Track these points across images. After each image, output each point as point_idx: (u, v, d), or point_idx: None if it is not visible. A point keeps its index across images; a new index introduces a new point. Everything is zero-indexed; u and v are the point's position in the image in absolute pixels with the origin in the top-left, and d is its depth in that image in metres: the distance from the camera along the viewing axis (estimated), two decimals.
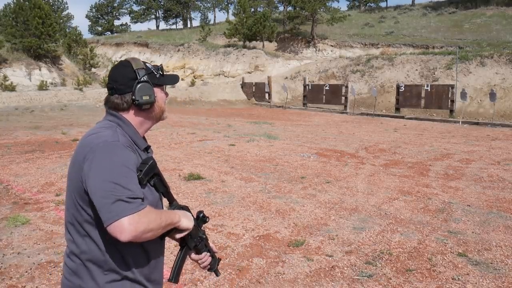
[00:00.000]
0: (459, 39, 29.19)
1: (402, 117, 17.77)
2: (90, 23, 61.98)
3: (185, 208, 1.49)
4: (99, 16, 61.85)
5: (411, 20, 37.24)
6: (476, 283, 3.24)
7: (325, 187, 6.09)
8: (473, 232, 4.33)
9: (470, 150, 9.41)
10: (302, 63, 30.05)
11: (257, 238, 4.15)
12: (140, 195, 1.27)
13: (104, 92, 21.85)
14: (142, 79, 1.41)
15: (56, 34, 25.94)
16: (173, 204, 1.47)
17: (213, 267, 1.64)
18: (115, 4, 61.32)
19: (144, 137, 1.49)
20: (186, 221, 1.42)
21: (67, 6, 57.26)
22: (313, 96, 22.59)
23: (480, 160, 8.23)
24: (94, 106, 19.97)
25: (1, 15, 31.79)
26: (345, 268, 3.48)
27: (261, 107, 23.89)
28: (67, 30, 39.65)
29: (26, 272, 3.37)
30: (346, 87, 20.88)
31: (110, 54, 39.79)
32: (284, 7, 41.41)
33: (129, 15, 60.78)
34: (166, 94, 1.53)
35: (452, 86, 17.84)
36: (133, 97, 1.40)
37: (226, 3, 56.66)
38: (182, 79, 31.40)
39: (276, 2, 44.15)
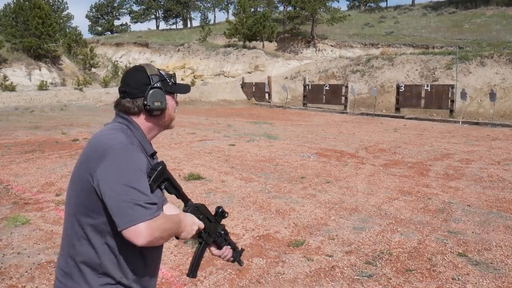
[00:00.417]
0: (459, 39, 29.20)
1: (402, 117, 17.77)
2: (90, 23, 62.07)
3: (201, 207, 1.50)
4: (99, 16, 61.86)
5: (411, 20, 37.25)
6: (476, 283, 3.24)
7: (325, 187, 6.09)
8: (473, 232, 4.33)
9: (470, 150, 9.41)
10: (302, 63, 30.05)
11: (257, 238, 4.15)
12: (156, 200, 1.28)
13: (103, 92, 21.88)
14: (155, 85, 1.42)
15: (56, 34, 25.97)
16: (188, 205, 1.48)
17: (235, 258, 1.68)
18: (115, 4, 61.34)
19: (150, 143, 1.49)
20: (188, 231, 1.42)
21: (67, 6, 57.34)
22: (313, 96, 22.59)
23: (480, 160, 8.23)
24: (94, 106, 19.97)
25: (1, 15, 31.81)
26: (345, 268, 3.48)
27: (261, 107, 23.89)
28: (67, 30, 39.67)
29: (26, 272, 3.37)
30: (346, 87, 20.88)
31: (110, 54, 39.80)
32: (284, 7, 41.43)
33: (129, 15, 60.87)
34: (177, 102, 1.54)
35: (452, 86, 17.84)
36: (145, 102, 1.40)
37: (226, 3, 56.71)
38: (182, 79, 31.41)
39: (276, 2, 44.17)
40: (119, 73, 27.54)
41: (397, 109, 19.33)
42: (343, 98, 20.92)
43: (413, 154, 8.84)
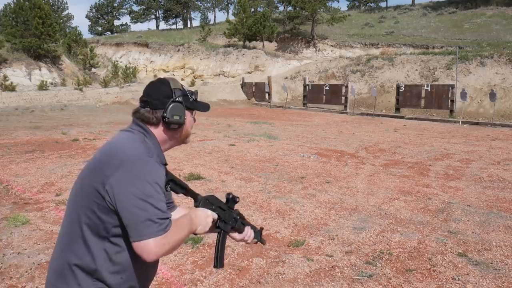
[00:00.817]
0: (459, 39, 29.19)
1: (402, 117, 17.76)
2: (90, 23, 62.05)
3: (211, 198, 1.53)
4: (99, 16, 61.85)
5: (411, 20, 37.26)
6: (476, 283, 3.24)
7: (325, 187, 6.09)
8: (473, 232, 4.33)
9: (470, 150, 9.41)
10: (302, 63, 30.05)
11: None
12: (168, 214, 1.31)
13: (103, 92, 21.88)
14: (177, 99, 1.44)
15: (56, 34, 25.99)
16: (198, 199, 1.50)
17: (257, 238, 1.70)
18: (115, 4, 61.32)
19: (163, 155, 1.50)
20: (203, 226, 1.45)
21: (67, 6, 57.34)
22: (313, 96, 22.59)
23: (480, 160, 8.23)
24: (94, 106, 19.97)
25: (1, 15, 31.83)
26: (345, 268, 3.48)
27: (261, 107, 23.89)
28: (67, 30, 39.69)
29: (26, 272, 3.37)
30: (346, 87, 20.88)
31: (110, 54, 39.79)
32: (284, 7, 41.41)
33: (129, 15, 60.86)
34: (194, 119, 1.55)
35: (452, 86, 17.84)
36: (164, 114, 1.42)
37: (226, 3, 56.75)
38: (182, 79, 31.40)
39: (276, 2, 44.14)
40: (119, 73, 27.52)
41: (397, 109, 19.33)
42: (343, 98, 20.92)
43: (413, 154, 8.84)
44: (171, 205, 1.60)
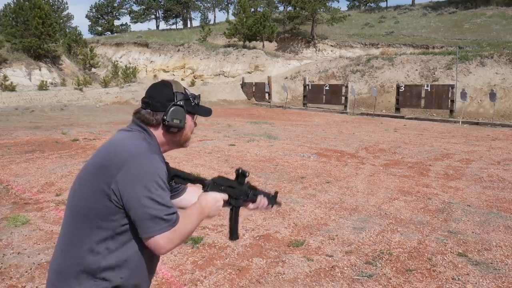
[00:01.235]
0: (459, 39, 29.19)
1: (402, 117, 17.76)
2: (90, 23, 62.05)
3: (218, 179, 1.53)
4: (99, 16, 61.85)
5: (411, 20, 37.26)
6: (476, 283, 3.24)
7: (325, 187, 6.09)
8: (473, 232, 4.33)
9: (470, 150, 9.41)
10: (302, 63, 30.05)
11: (257, 238, 4.15)
12: (174, 209, 1.33)
13: (103, 92, 21.87)
14: (179, 103, 1.45)
15: (56, 34, 25.97)
16: (206, 184, 1.51)
17: (272, 203, 1.74)
18: (115, 4, 61.32)
19: (163, 156, 1.50)
20: (213, 210, 1.47)
21: (67, 6, 57.36)
22: (313, 96, 22.58)
23: (480, 160, 8.23)
24: (94, 106, 19.96)
25: (1, 15, 31.82)
26: (345, 268, 3.48)
27: (261, 107, 23.89)
28: (67, 30, 39.66)
29: (26, 272, 3.37)
30: (346, 87, 20.88)
31: (110, 54, 39.78)
32: (284, 7, 41.41)
33: (129, 15, 60.85)
34: (195, 124, 1.56)
35: (452, 86, 17.84)
36: (164, 117, 1.43)
37: (226, 3, 56.75)
38: (182, 79, 31.41)
39: (276, 2, 44.15)
40: (119, 73, 27.51)
41: (397, 109, 19.33)
42: (343, 98, 20.92)
43: (413, 154, 8.84)
44: (180, 189, 1.64)
